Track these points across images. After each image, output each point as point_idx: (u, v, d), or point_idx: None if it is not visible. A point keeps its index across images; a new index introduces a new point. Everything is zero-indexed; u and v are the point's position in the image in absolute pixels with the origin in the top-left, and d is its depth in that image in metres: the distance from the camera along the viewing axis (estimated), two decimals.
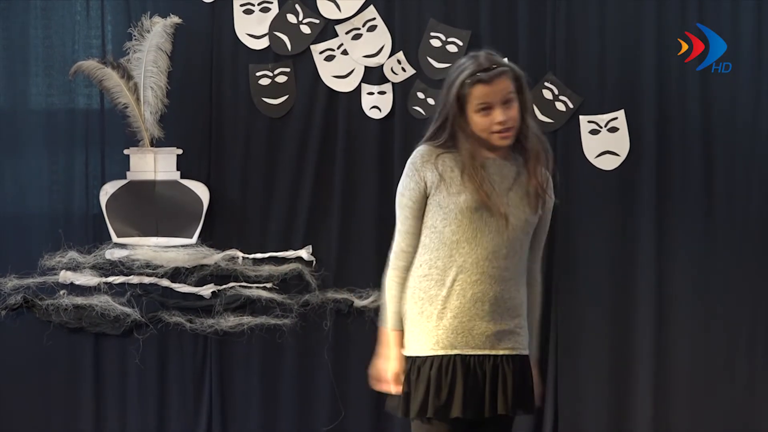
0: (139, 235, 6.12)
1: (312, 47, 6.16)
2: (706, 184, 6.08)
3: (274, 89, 6.16)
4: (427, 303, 3.83)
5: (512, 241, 3.83)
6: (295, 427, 6.15)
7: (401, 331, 3.86)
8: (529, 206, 3.87)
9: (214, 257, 6.09)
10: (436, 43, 6.11)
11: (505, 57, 5.94)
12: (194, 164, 6.17)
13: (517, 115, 3.83)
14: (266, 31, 6.17)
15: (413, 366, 3.84)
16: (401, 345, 3.86)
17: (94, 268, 6.10)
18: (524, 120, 3.87)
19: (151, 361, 6.16)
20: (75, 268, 6.10)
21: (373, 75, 6.15)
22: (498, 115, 3.79)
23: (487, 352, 3.83)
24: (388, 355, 3.86)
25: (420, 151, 3.86)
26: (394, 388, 3.85)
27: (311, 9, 6.16)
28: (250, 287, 6.11)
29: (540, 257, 3.99)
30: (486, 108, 3.80)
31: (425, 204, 3.85)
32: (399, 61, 6.10)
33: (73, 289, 6.12)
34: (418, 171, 3.83)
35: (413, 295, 3.85)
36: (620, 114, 6.08)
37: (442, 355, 3.82)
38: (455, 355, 3.82)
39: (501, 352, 3.84)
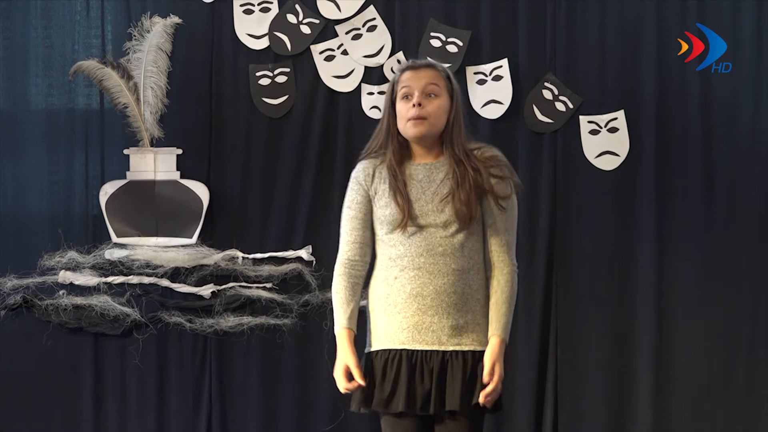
0: (139, 235, 6.12)
1: (312, 47, 6.16)
2: (706, 184, 6.07)
3: (274, 89, 6.16)
4: (376, 302, 4.01)
5: (446, 239, 3.94)
6: (295, 427, 6.15)
7: (350, 329, 3.98)
8: (456, 207, 3.94)
9: (213, 257, 6.09)
10: (436, 43, 6.10)
11: (504, 57, 6.08)
12: (194, 164, 6.17)
13: (437, 111, 3.98)
14: (266, 31, 6.17)
15: (367, 361, 3.99)
16: (351, 342, 3.97)
17: (94, 268, 6.10)
18: (452, 124, 4.01)
19: (150, 361, 6.16)
20: (74, 268, 6.10)
21: (373, 75, 6.15)
22: (415, 98, 3.96)
23: (435, 347, 3.93)
24: (340, 355, 3.97)
25: (361, 165, 4.08)
26: (344, 386, 3.94)
27: (311, 9, 6.16)
28: (250, 287, 6.11)
29: (506, 244, 4.00)
30: (408, 93, 3.99)
31: (372, 214, 4.02)
32: (399, 61, 6.10)
33: (73, 289, 6.12)
34: (362, 185, 4.04)
35: (369, 297, 4.03)
36: (620, 114, 6.08)
37: (389, 349, 3.96)
38: (401, 349, 3.94)
39: (450, 348, 3.92)
